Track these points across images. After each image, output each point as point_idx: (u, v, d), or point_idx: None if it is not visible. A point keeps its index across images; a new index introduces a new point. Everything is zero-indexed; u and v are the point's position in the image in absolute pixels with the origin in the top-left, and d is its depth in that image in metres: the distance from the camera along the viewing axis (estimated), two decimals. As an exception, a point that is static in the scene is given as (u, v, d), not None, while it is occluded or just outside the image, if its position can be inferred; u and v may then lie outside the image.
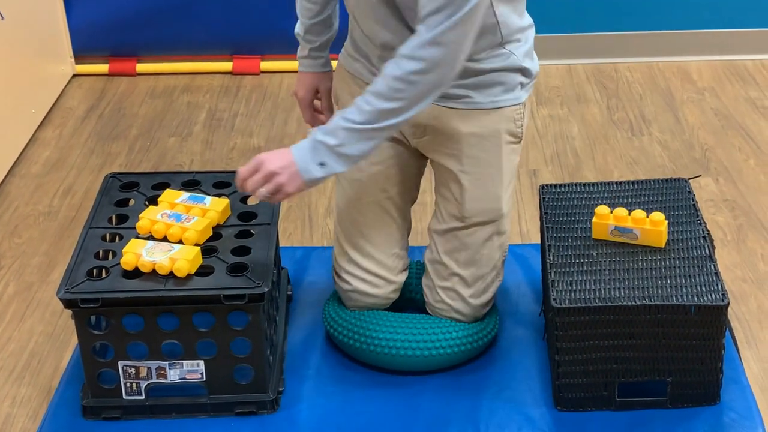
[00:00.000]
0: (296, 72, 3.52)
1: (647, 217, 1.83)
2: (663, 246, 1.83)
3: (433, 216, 1.91)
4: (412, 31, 1.65)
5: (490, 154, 1.81)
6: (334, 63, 1.92)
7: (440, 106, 1.79)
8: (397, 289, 1.94)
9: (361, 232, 1.90)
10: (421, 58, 1.61)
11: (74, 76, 3.37)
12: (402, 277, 1.94)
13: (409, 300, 2.01)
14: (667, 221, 1.84)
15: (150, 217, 1.82)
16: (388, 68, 1.64)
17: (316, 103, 1.99)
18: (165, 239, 1.79)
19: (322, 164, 1.67)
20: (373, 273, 1.90)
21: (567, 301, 1.72)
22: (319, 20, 1.88)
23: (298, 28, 1.92)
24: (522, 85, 1.79)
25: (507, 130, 1.81)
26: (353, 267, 1.91)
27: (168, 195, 1.89)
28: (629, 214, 1.84)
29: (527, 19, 1.79)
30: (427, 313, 1.93)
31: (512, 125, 1.81)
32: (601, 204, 1.91)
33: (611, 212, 1.85)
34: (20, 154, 2.91)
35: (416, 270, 2.03)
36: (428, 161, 1.92)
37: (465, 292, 1.88)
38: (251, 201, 1.80)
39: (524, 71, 1.78)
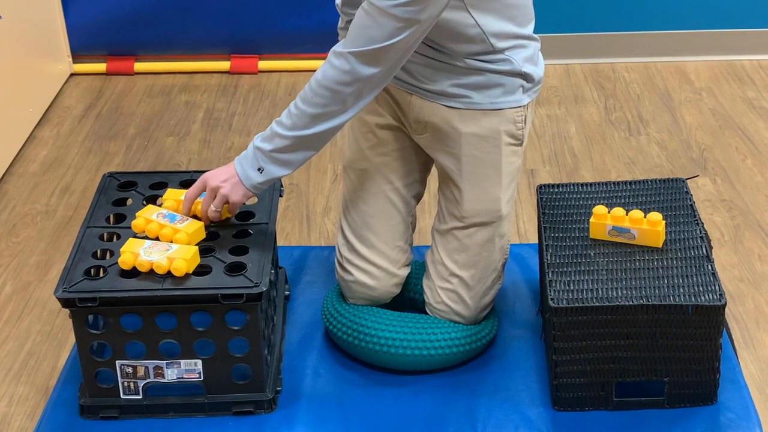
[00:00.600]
0: (294, 71, 3.53)
1: (645, 217, 1.83)
2: (660, 246, 1.83)
3: (436, 215, 1.92)
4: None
5: (489, 154, 1.81)
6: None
7: (440, 105, 1.79)
8: (399, 284, 1.94)
9: (366, 222, 1.90)
10: (346, 70, 1.63)
11: (72, 75, 3.36)
12: (404, 272, 1.94)
13: (409, 300, 2.01)
14: (664, 221, 1.85)
15: (146, 216, 1.82)
16: (318, 71, 1.68)
17: None
18: (157, 239, 1.79)
19: (260, 170, 1.74)
20: (375, 264, 1.90)
21: (564, 301, 1.72)
22: None
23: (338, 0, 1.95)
24: (524, 88, 1.79)
25: (507, 132, 1.81)
26: (356, 257, 1.91)
27: (171, 194, 1.89)
28: (627, 214, 1.84)
29: (530, 28, 1.79)
30: (427, 313, 1.93)
31: (512, 127, 1.81)
32: (598, 204, 1.91)
33: (609, 212, 1.85)
34: (18, 153, 2.91)
35: (416, 269, 2.03)
36: None
37: (465, 295, 1.88)
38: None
39: (525, 76, 1.78)
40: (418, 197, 1.96)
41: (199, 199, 1.84)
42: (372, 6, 1.59)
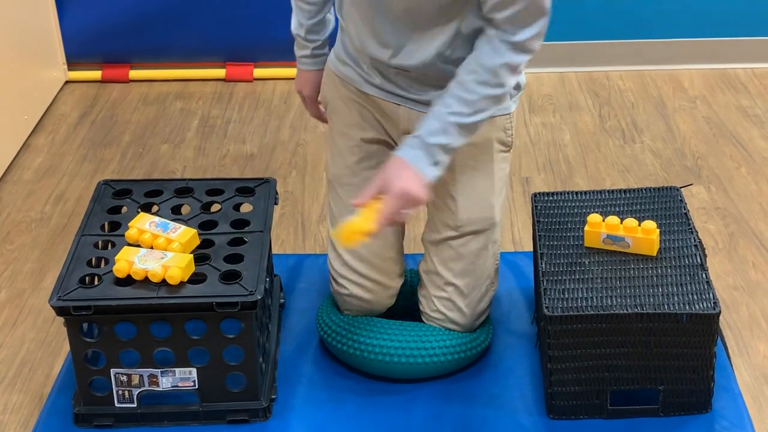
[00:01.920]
0: (289, 79, 3.52)
1: (639, 225, 1.83)
2: (655, 254, 1.84)
3: (426, 226, 1.92)
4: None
5: (482, 162, 1.82)
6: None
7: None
8: (394, 294, 1.94)
9: None
10: (510, 63, 1.65)
11: (67, 82, 3.36)
12: (398, 282, 1.94)
13: (404, 308, 2.01)
14: (658, 230, 1.85)
15: (138, 227, 1.82)
16: (484, 57, 1.65)
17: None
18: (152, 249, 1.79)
19: (436, 163, 1.68)
20: (369, 278, 1.90)
21: (559, 309, 1.72)
22: (319, 19, 1.89)
23: (297, 29, 1.91)
24: (511, 95, 1.81)
25: (498, 139, 1.82)
26: (350, 272, 1.91)
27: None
28: (621, 223, 1.84)
29: None
30: (422, 321, 1.93)
31: (503, 134, 1.82)
32: (593, 212, 1.92)
33: (603, 220, 1.85)
34: (12, 161, 2.91)
35: (410, 278, 2.03)
36: None
37: (461, 302, 1.88)
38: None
39: (516, 85, 1.81)
40: None
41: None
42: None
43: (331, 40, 1.93)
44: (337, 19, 1.86)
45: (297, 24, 1.90)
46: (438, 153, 1.68)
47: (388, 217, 1.69)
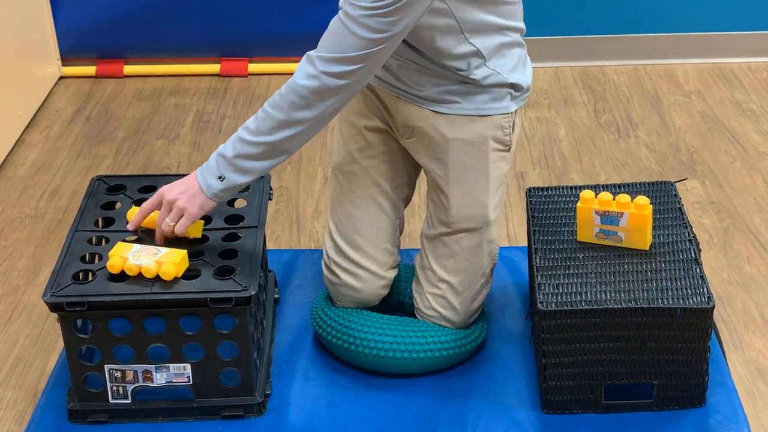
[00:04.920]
0: (285, 74, 3.51)
1: (632, 201, 1.81)
2: (648, 249, 1.84)
3: (425, 220, 1.92)
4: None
5: (476, 160, 1.81)
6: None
7: (427, 110, 1.79)
8: (386, 285, 1.94)
9: (354, 224, 1.90)
10: (312, 75, 1.60)
11: (61, 78, 3.36)
12: (392, 274, 1.94)
13: (398, 303, 2.01)
14: (652, 224, 1.85)
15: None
16: (294, 76, 1.63)
17: None
18: (143, 244, 1.78)
19: (220, 177, 1.69)
20: (362, 267, 1.90)
21: (553, 304, 1.72)
22: None
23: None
24: (511, 95, 1.79)
25: (494, 138, 1.81)
26: (343, 259, 1.91)
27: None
28: (614, 199, 1.82)
29: (513, 36, 1.77)
30: (416, 317, 1.93)
31: (500, 133, 1.81)
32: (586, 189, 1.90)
33: (596, 197, 1.82)
34: (6, 157, 2.90)
35: (405, 273, 2.03)
36: None
37: (454, 300, 1.88)
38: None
39: (512, 86, 1.78)
40: (407, 200, 1.97)
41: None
42: (346, 15, 1.57)
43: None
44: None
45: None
46: (223, 166, 1.68)
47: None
